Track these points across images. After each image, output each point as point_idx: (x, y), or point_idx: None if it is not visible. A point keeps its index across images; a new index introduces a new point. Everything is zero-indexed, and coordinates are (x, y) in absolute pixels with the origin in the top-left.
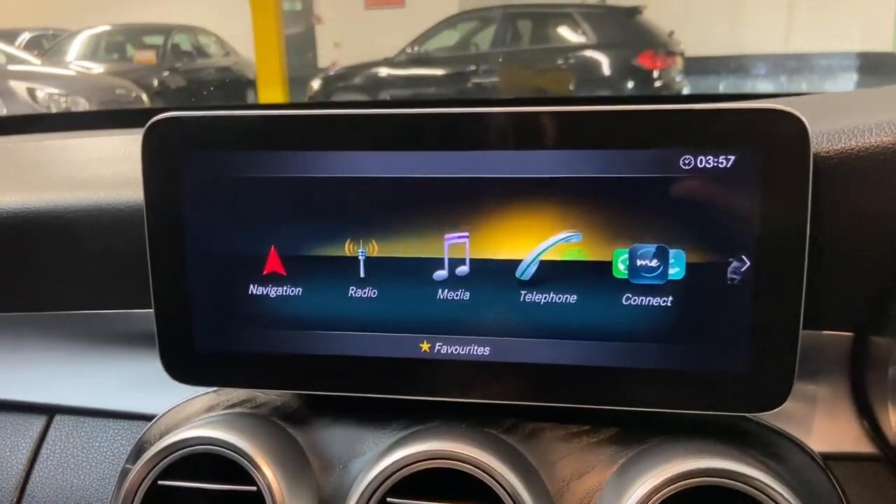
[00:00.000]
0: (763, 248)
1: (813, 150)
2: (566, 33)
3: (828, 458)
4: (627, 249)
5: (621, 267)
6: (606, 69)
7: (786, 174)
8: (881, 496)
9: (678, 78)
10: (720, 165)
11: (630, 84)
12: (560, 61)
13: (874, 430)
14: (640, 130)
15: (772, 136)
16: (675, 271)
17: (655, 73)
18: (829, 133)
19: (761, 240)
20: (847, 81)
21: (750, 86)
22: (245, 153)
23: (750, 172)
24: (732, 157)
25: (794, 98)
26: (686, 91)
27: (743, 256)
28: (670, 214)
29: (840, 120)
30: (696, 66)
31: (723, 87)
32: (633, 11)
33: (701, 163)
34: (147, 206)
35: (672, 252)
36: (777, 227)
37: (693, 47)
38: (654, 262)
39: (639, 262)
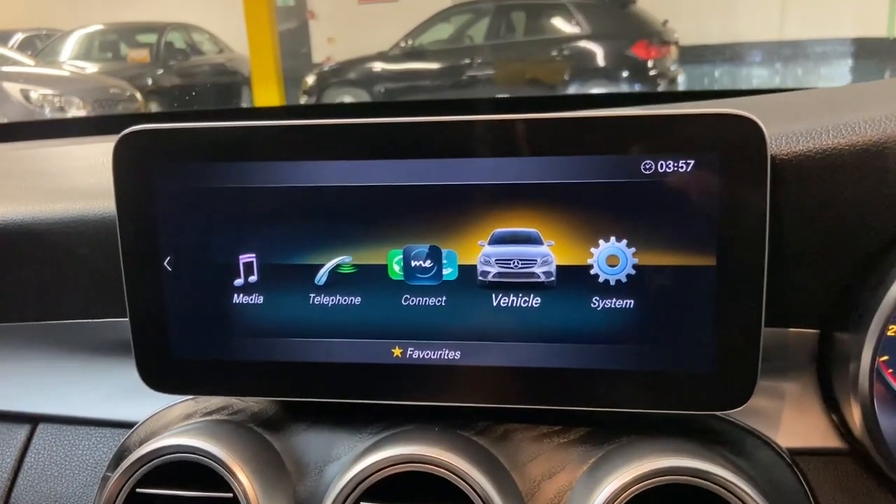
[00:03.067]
0: (724, 249)
1: (771, 152)
2: (560, 24)
3: (796, 453)
4: (598, 250)
5: (593, 270)
6: (601, 60)
7: (744, 177)
8: (849, 489)
9: (673, 67)
10: (680, 169)
11: (625, 74)
12: (554, 52)
13: (842, 425)
14: (602, 136)
15: (730, 141)
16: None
17: (650, 63)
18: (787, 135)
19: (722, 241)
20: (842, 67)
21: (745, 73)
22: (215, 164)
23: (709, 176)
24: (692, 161)
25: (755, 98)
26: (681, 80)
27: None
28: (632, 218)
29: (798, 122)
30: (691, 54)
31: (718, 75)
32: (627, 1)
33: (661, 167)
34: (119, 218)
35: (629, 252)
36: (737, 229)
37: (687, 36)
38: (618, 264)
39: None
